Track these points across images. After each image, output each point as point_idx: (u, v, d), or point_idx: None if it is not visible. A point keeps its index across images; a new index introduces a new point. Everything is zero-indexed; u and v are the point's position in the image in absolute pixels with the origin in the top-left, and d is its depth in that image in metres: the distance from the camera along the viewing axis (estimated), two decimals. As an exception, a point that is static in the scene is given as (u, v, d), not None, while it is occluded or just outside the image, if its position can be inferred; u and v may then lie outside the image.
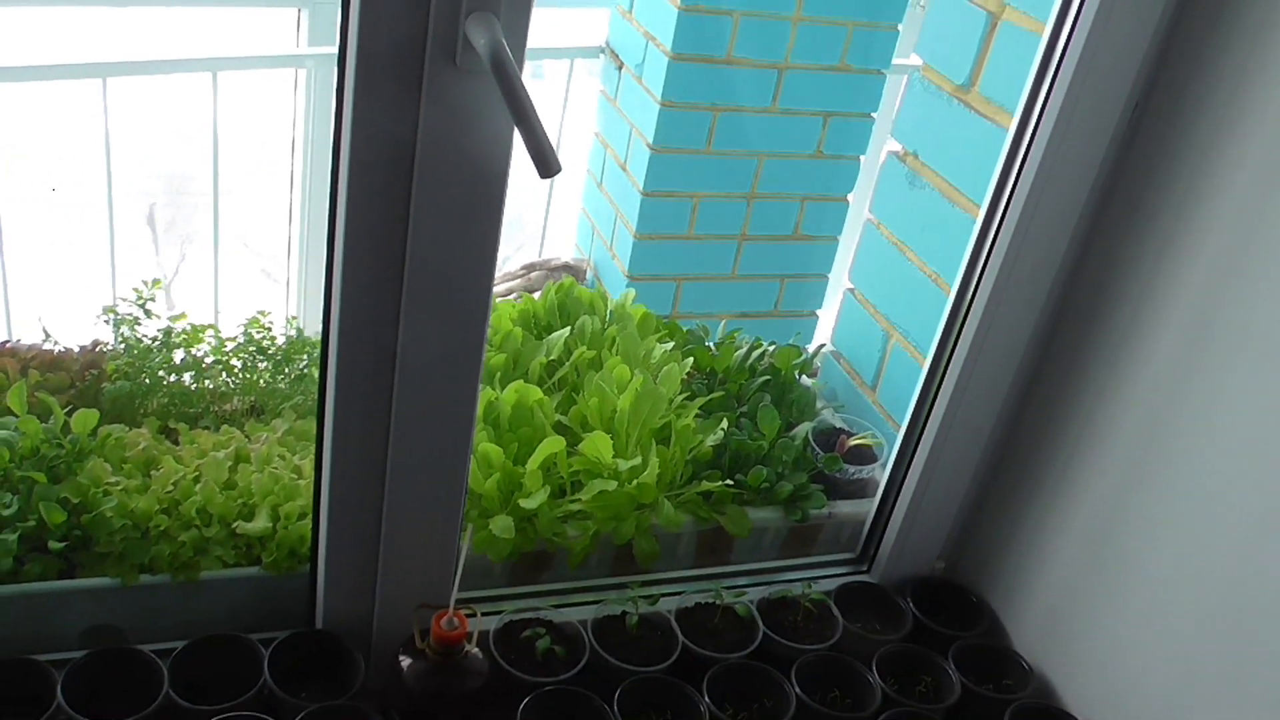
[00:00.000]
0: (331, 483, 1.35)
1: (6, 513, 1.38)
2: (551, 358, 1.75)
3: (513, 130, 1.18)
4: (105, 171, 2.71)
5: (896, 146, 1.89)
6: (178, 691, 1.36)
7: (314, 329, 1.69)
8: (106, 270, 2.93)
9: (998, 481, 1.68)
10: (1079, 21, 1.36)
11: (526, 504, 1.51)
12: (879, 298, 1.90)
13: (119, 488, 1.44)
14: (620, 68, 2.87)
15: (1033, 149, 1.43)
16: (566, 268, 3.03)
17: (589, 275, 3.05)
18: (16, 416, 1.50)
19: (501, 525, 1.50)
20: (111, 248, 2.87)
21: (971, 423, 1.60)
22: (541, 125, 1.08)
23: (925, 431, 1.61)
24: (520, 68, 1.12)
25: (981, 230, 1.51)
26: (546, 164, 1.06)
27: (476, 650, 1.41)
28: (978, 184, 1.69)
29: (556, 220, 3.29)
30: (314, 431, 1.57)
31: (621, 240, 2.85)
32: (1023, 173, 1.45)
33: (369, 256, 1.22)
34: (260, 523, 1.45)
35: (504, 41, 1.08)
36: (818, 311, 3.02)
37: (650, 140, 2.67)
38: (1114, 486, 1.48)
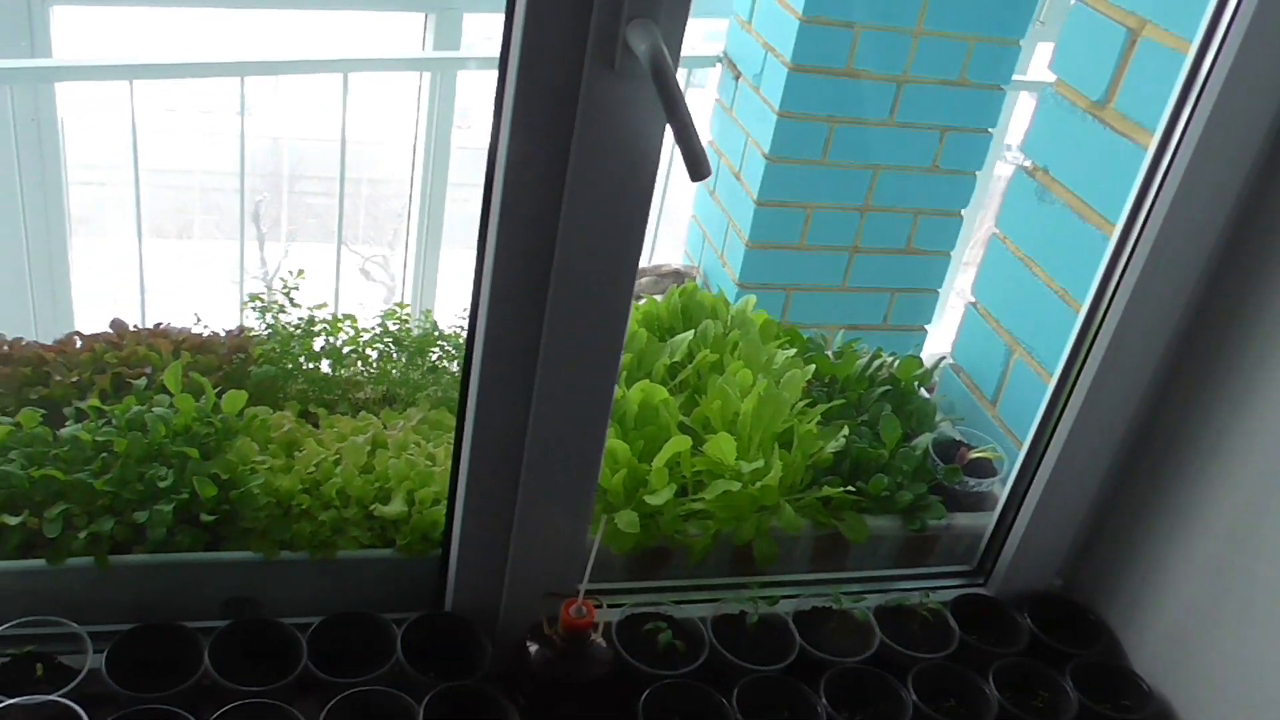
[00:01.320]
0: (469, 472, 1.40)
1: (163, 484, 1.45)
2: (675, 359, 1.78)
3: (663, 133, 1.22)
4: (239, 166, 2.81)
5: (1022, 161, 1.89)
6: (314, 664, 1.41)
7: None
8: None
9: (1121, 500, 1.67)
10: (1227, 40, 1.36)
11: (652, 500, 1.55)
12: (1003, 312, 1.90)
13: (265, 466, 1.50)
14: (738, 78, 2.90)
15: (1173, 167, 1.43)
16: (675, 274, 3.06)
17: (698, 282, 3.08)
18: (169, 394, 1.57)
19: (627, 520, 1.53)
20: (241, 241, 2.97)
21: (1097, 440, 1.60)
22: (695, 130, 1.11)
23: (1049, 447, 1.61)
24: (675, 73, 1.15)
25: (1116, 248, 1.51)
26: (698, 167, 1.10)
27: (601, 640, 1.44)
28: (1111, 201, 1.68)
29: (664, 227, 3.33)
30: (446, 421, 1.62)
31: (733, 248, 2.88)
32: (1162, 190, 1.44)
33: (519, 254, 1.26)
34: (396, 506, 1.50)
35: (664, 47, 1.11)
36: (927, 326, 3.02)
37: (766, 150, 2.69)
38: (1246, 509, 1.47)
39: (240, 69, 2.62)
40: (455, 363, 1.75)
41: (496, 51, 1.20)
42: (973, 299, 1.96)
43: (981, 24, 2.63)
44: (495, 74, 1.21)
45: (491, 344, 1.31)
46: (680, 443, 1.57)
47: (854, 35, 2.60)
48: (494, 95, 1.22)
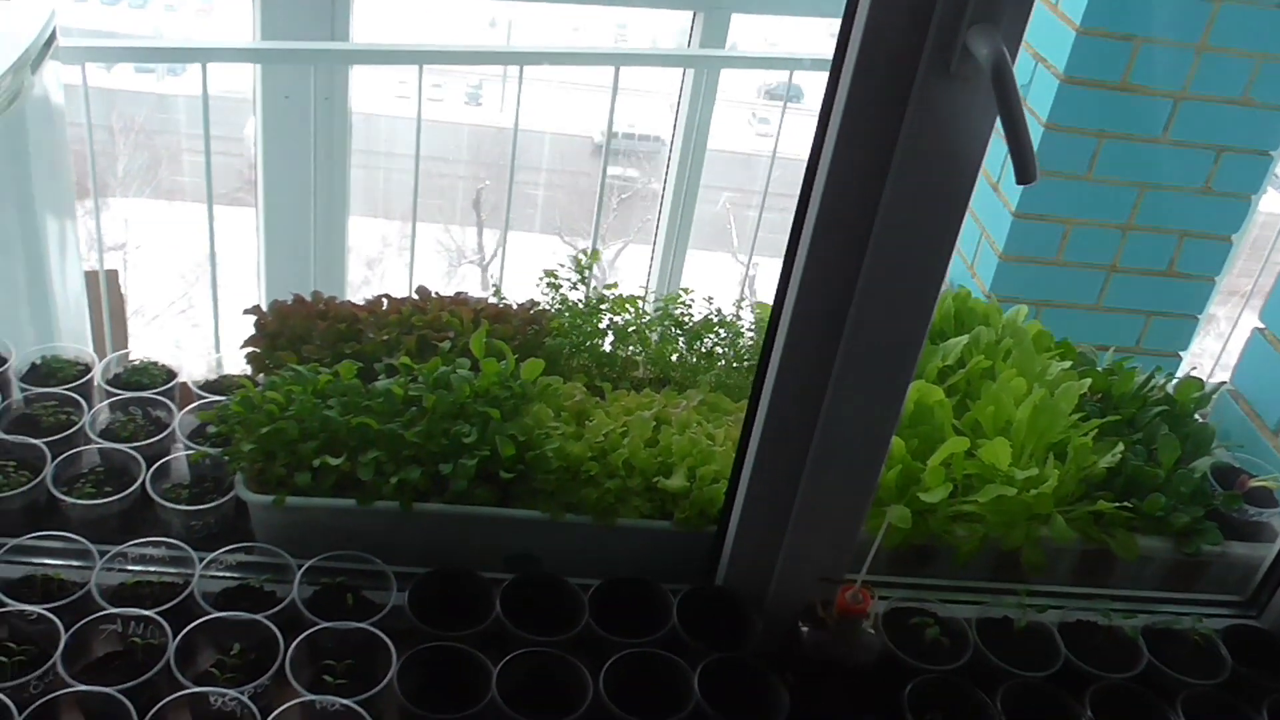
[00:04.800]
0: (756, 455, 1.45)
1: (467, 441, 1.56)
2: (947, 363, 1.80)
3: (988, 136, 1.24)
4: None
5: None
6: (595, 621, 1.49)
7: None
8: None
9: None
10: None
11: (926, 498, 1.57)
12: (1293, 341, 1.84)
13: (558, 432, 1.59)
14: (1002, 87, 2.86)
15: None
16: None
17: (943, 291, 3.06)
18: (470, 358, 1.68)
19: (900, 515, 1.56)
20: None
21: (1398, 478, 1.54)
22: (1029, 134, 1.13)
23: (1343, 480, 1.56)
24: (1012, 78, 1.17)
25: None
26: (1028, 171, 1.13)
27: (872, 629, 1.48)
28: None
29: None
30: (724, 405, 1.68)
31: (985, 259, 2.85)
32: None
33: (830, 253, 1.30)
34: (678, 480, 1.57)
35: (1005, 52, 1.14)
36: (1182, 353, 2.92)
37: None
38: None
39: (520, 58, 2.75)
40: (731, 350, 1.80)
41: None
42: (1261, 325, 1.91)
43: (1272, 40, 2.53)
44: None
45: (793, 336, 1.36)
46: (958, 443, 1.59)
47: (1133, 48, 2.54)
48: (822, 99, 1.27)
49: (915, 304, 1.32)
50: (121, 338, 2.84)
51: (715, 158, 3.23)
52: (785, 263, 1.35)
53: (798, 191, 1.32)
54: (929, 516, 1.61)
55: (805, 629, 1.47)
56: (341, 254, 3.05)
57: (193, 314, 8.85)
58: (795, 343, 1.36)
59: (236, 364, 1.87)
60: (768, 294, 1.47)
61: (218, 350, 2.70)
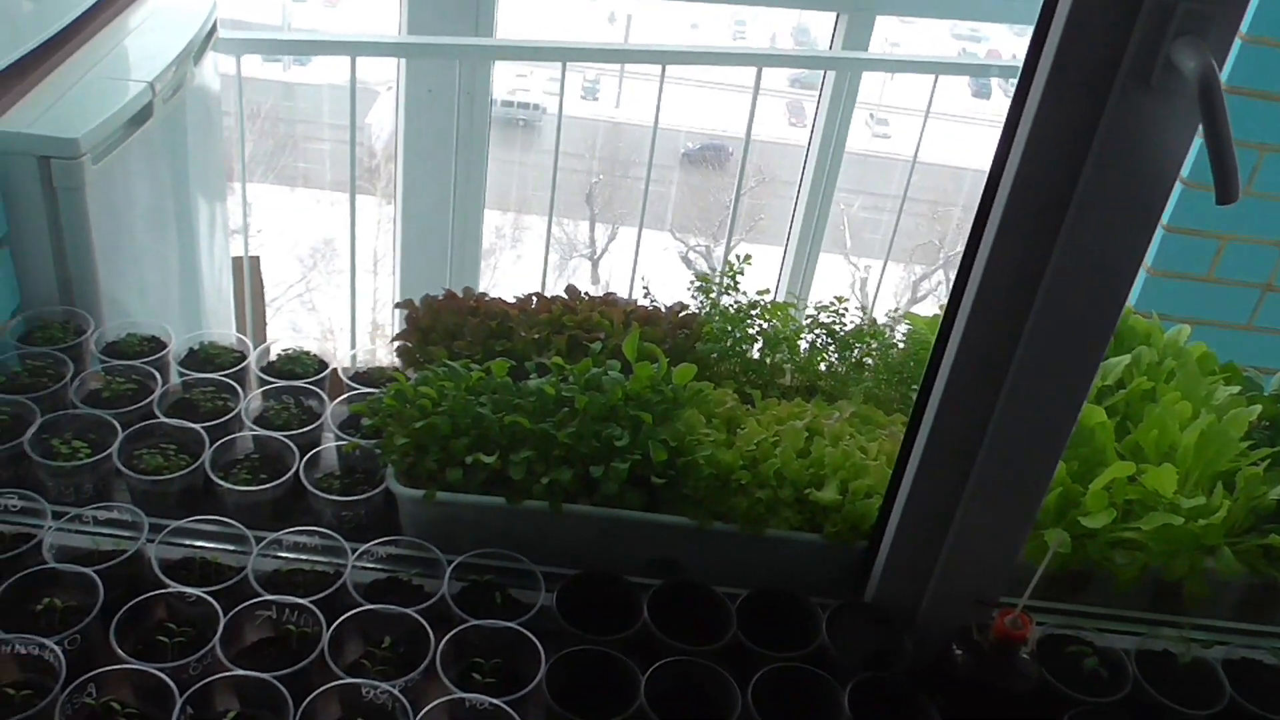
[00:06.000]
0: (916, 472, 1.42)
1: (619, 444, 1.55)
2: (1106, 383, 1.74)
3: (1186, 151, 1.19)
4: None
5: None
6: (742, 633, 1.47)
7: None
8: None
9: None
10: None
11: (1088, 522, 1.52)
12: None
13: (709, 439, 1.58)
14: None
15: None
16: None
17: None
18: (619, 360, 1.67)
19: (1059, 538, 1.51)
20: (640, 221, 3.10)
21: None
22: (1234, 152, 1.08)
23: None
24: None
25: None
26: (1230, 190, 1.08)
27: (1028, 655, 1.43)
28: None
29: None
30: (876, 418, 1.65)
31: (1131, 273, 2.76)
32: None
33: (1008, 267, 1.26)
34: (830, 493, 1.54)
35: (1214, 66, 1.09)
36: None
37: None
38: None
39: (661, 57, 2.74)
40: (882, 361, 1.77)
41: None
42: None
43: None
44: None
45: (964, 352, 1.32)
46: (1123, 468, 1.53)
47: (1297, 58, 2.44)
48: (1009, 107, 1.23)
49: (1097, 321, 1.27)
50: (261, 324, 2.91)
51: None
52: (959, 275, 1.32)
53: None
54: (1087, 542, 1.55)
55: (959, 651, 1.43)
56: (475, 248, 3.08)
57: (309, 298, 9.06)
58: (966, 358, 1.33)
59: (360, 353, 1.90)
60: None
61: (353, 346, 2.75)
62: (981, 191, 1.27)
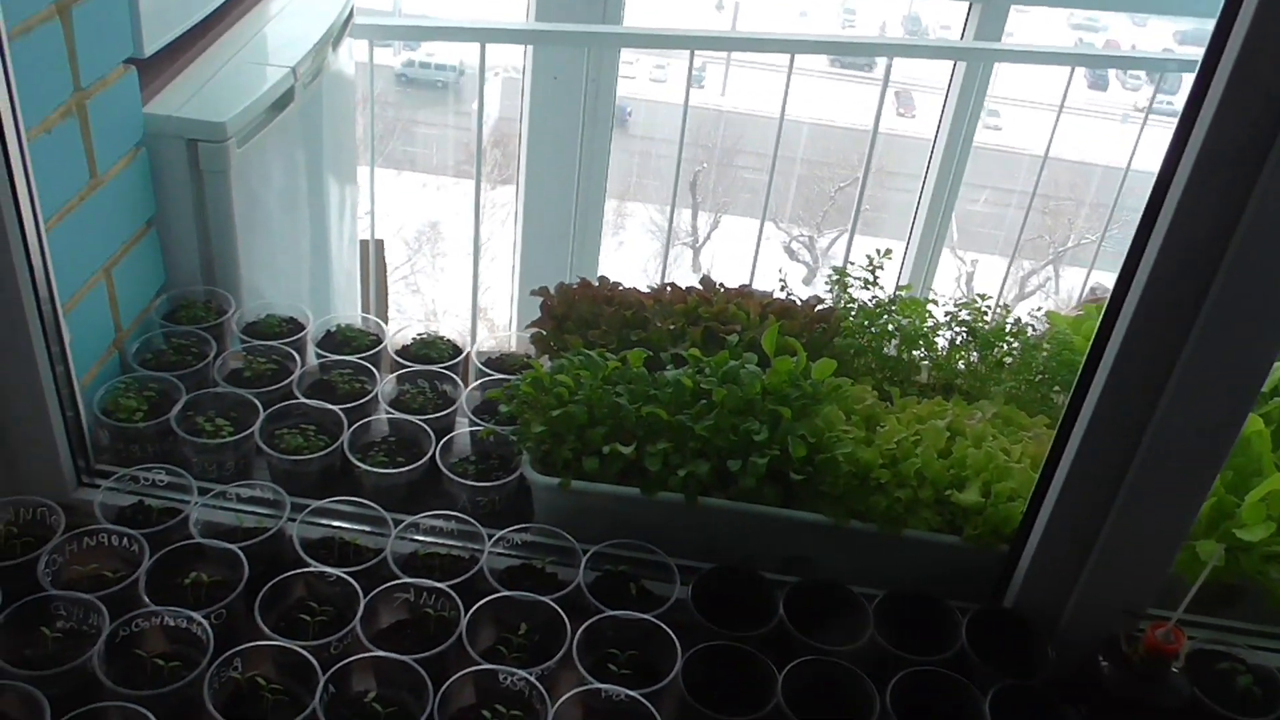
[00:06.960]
0: (1066, 477, 1.38)
1: (757, 438, 1.53)
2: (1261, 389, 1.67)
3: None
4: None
5: None
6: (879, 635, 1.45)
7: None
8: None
9: None
10: None
11: (1244, 535, 1.46)
12: None
13: (849, 436, 1.55)
14: None
15: None
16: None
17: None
18: (756, 353, 1.66)
19: (1212, 551, 1.46)
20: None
21: None
22: None
23: None
24: None
25: None
26: None
27: (1178, 670, 1.39)
28: None
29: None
30: (1018, 419, 1.61)
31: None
32: None
33: (1173, 271, 1.22)
34: (971, 495, 1.51)
35: None
36: None
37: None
38: None
39: (793, 46, 2.71)
40: (1023, 361, 1.73)
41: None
42: None
43: None
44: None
45: (1123, 356, 1.28)
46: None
47: None
48: (1184, 107, 1.18)
49: (1271, 324, 1.22)
50: (384, 306, 2.94)
51: (920, 147, 3.09)
52: (1121, 277, 1.28)
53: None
54: (1241, 555, 1.50)
55: (1105, 663, 1.39)
56: (596, 236, 3.08)
57: (414, 280, 9.20)
58: (1125, 363, 1.28)
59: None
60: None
61: (473, 331, 2.77)
62: (1151, 188, 1.23)
